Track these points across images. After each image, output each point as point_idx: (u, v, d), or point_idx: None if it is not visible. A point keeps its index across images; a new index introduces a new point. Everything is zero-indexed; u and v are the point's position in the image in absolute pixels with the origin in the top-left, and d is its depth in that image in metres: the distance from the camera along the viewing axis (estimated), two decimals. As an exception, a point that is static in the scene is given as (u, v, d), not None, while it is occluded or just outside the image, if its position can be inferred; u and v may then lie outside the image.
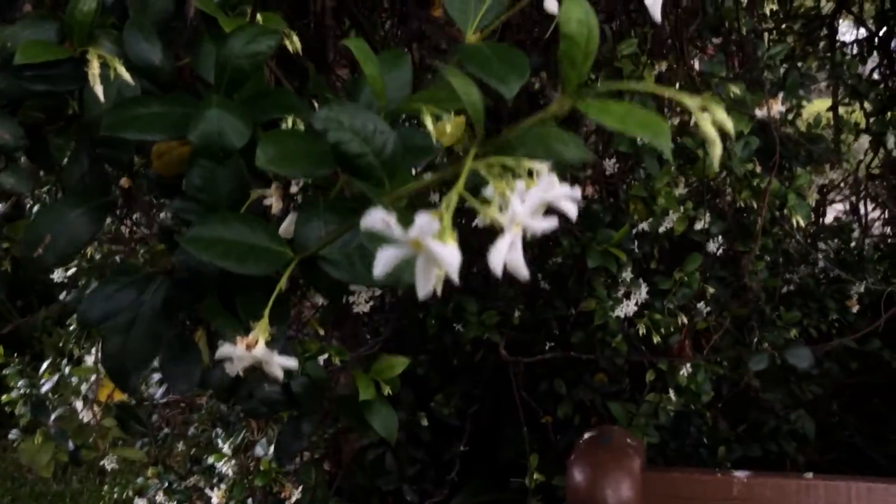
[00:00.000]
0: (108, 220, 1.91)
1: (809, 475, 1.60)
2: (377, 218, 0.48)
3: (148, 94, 0.77)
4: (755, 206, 2.18)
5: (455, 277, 0.47)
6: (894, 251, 2.92)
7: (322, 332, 1.93)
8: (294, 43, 0.90)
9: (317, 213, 0.69)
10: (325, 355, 1.67)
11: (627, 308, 2.07)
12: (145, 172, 0.83)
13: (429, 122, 0.68)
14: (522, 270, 0.49)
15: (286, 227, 0.73)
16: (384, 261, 0.49)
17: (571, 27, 0.50)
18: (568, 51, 0.50)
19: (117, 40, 0.76)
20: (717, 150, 0.48)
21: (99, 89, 0.72)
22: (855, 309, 2.54)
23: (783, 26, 2.98)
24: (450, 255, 0.47)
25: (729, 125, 0.48)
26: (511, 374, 2.32)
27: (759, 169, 1.97)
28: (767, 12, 2.87)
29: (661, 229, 1.97)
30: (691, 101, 0.48)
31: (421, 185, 0.58)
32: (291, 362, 0.64)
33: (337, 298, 0.71)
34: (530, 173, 0.57)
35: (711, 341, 2.34)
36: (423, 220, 0.47)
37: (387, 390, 1.21)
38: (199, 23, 0.82)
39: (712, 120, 0.48)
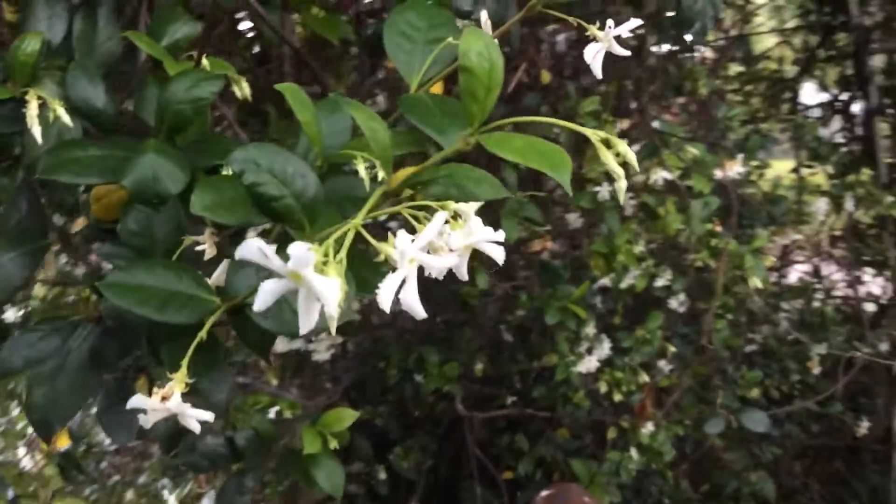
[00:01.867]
0: (63, 261, 1.89)
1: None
2: (253, 247, 0.47)
3: (89, 136, 0.76)
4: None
5: (333, 311, 0.46)
6: (857, 313, 2.94)
7: (277, 382, 1.90)
8: (243, 89, 0.90)
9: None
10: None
11: (590, 364, 2.06)
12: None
13: (361, 169, 0.68)
14: (417, 308, 0.48)
15: (218, 274, 0.71)
16: (265, 294, 0.48)
17: (471, 60, 0.49)
18: (468, 85, 0.49)
19: (62, 81, 0.75)
20: (622, 184, 0.48)
21: (36, 131, 0.70)
22: (816, 371, 2.54)
23: (747, 88, 3.04)
24: (328, 288, 0.46)
25: (632, 157, 0.48)
26: (466, 430, 2.29)
27: (719, 228, 1.99)
28: (732, 74, 2.93)
29: (623, 285, 1.97)
30: (593, 134, 0.48)
31: (342, 227, 0.57)
32: (206, 415, 0.62)
33: (263, 351, 0.69)
34: (455, 216, 0.57)
35: (671, 399, 2.33)
36: (300, 251, 0.45)
37: (334, 444, 1.18)
38: (150, 66, 0.82)
39: (616, 152, 0.48)
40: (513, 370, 2.38)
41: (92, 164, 0.71)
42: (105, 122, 0.76)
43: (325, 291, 0.46)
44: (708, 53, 2.82)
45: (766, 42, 3.13)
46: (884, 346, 2.60)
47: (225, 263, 0.71)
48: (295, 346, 2.18)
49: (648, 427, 2.20)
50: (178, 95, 0.71)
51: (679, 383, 2.27)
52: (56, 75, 0.76)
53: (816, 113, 3.05)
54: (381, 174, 0.54)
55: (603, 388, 2.00)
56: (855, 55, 2.87)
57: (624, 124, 1.96)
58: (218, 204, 0.67)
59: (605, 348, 2.14)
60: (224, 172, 0.75)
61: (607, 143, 0.48)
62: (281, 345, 2.11)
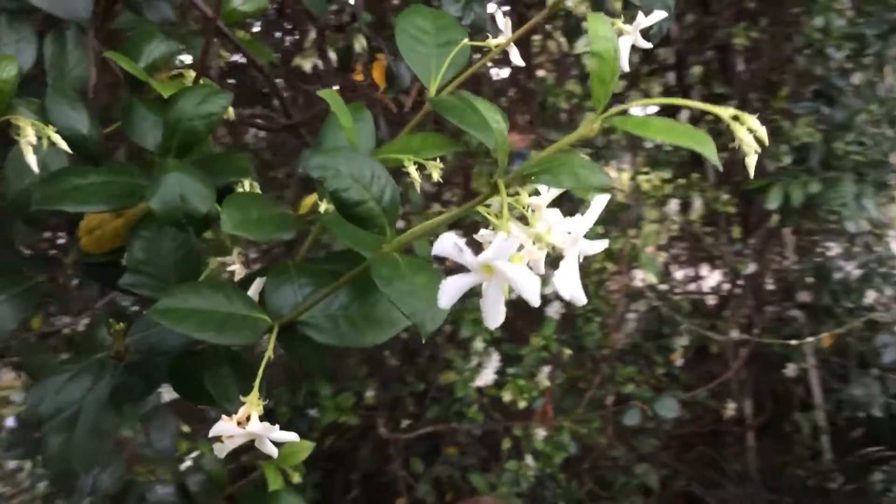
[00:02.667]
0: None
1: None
2: (449, 242, 0.46)
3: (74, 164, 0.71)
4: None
5: (536, 300, 0.45)
6: (706, 305, 3.19)
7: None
8: (228, 112, 0.86)
9: (288, 278, 0.65)
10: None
11: (487, 377, 2.10)
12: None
13: (412, 170, 0.67)
14: (581, 293, 0.49)
15: (252, 294, 0.68)
16: (452, 290, 0.47)
17: (600, 45, 0.50)
18: (598, 69, 0.50)
19: (39, 109, 0.69)
20: (753, 159, 0.51)
21: (31, 159, 0.64)
22: (679, 362, 2.72)
23: (586, 103, 3.22)
24: (528, 277, 0.45)
25: (763, 133, 0.51)
26: (393, 453, 2.25)
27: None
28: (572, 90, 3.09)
29: (513, 296, 2.02)
30: (724, 111, 0.51)
31: (426, 229, 0.57)
32: (291, 436, 0.59)
33: (320, 367, 0.66)
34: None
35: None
36: (501, 242, 0.45)
37: (296, 477, 1.14)
38: (124, 89, 0.77)
39: (747, 127, 0.51)
40: (404, 394, 2.37)
41: (94, 191, 0.66)
42: (92, 148, 0.70)
43: (524, 281, 0.45)
44: (541, 73, 2.97)
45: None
46: (734, 334, 2.82)
47: (258, 282, 0.68)
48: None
49: (540, 433, 2.27)
50: (188, 112, 0.68)
51: (568, 386, 2.35)
52: (33, 103, 0.69)
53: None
54: (500, 162, 0.54)
55: (506, 397, 2.04)
56: (675, 67, 3.11)
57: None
58: (248, 221, 0.65)
59: (494, 360, 2.19)
60: (239, 190, 0.72)
61: (738, 120, 0.51)
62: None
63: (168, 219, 0.63)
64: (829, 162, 2.27)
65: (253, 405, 0.58)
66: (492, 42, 0.75)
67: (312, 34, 1.37)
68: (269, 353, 0.60)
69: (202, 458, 1.39)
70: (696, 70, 3.22)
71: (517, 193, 0.55)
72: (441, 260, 0.49)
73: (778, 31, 2.73)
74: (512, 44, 0.75)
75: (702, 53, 3.18)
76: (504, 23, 0.74)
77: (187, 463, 1.47)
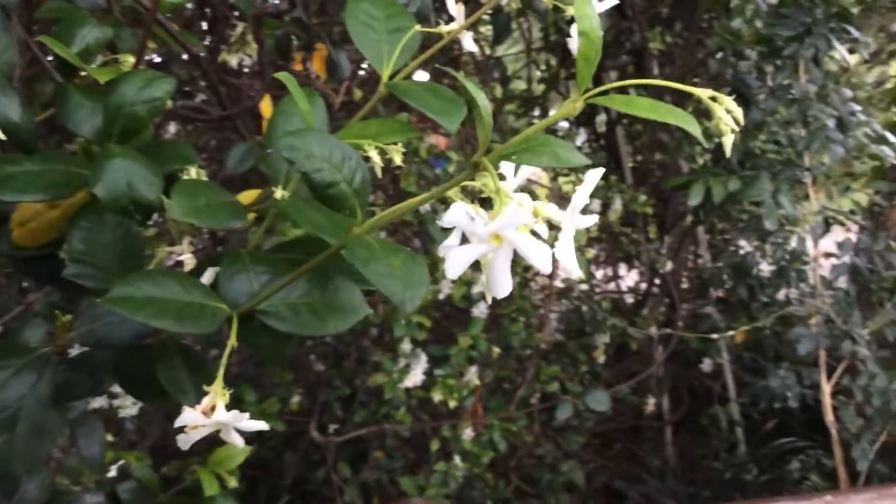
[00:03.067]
0: None
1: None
2: (461, 211, 0.47)
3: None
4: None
5: (548, 269, 0.46)
6: (625, 304, 3.26)
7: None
8: None
9: (242, 267, 0.63)
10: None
11: (416, 378, 2.09)
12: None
13: (374, 154, 0.66)
14: (576, 266, 0.50)
15: (204, 283, 0.65)
16: (460, 261, 0.47)
17: (586, 24, 0.50)
18: (584, 48, 0.50)
19: (-36, 97, 0.65)
20: (729, 139, 0.52)
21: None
22: (601, 360, 2.77)
23: (504, 107, 3.25)
24: (538, 247, 0.45)
25: (739, 114, 0.52)
26: (329, 456, 2.21)
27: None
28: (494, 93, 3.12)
29: (441, 296, 2.02)
30: (702, 93, 0.52)
31: (397, 212, 0.55)
32: (260, 424, 0.57)
33: (278, 357, 0.64)
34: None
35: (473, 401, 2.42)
36: (513, 211, 0.45)
37: (232, 482, 1.11)
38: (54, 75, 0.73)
39: (724, 108, 0.51)
40: (331, 399, 2.34)
41: (31, 180, 0.62)
42: (24, 136, 0.66)
43: (536, 250, 0.46)
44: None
45: (518, 63, 3.37)
46: (653, 331, 2.89)
47: (211, 271, 0.65)
48: (97, 405, 1.99)
49: (468, 433, 2.27)
50: (130, 97, 0.64)
51: (495, 385, 2.36)
52: (-43, 92, 0.65)
53: (564, 126, 3.33)
54: (482, 140, 0.53)
55: (437, 396, 2.03)
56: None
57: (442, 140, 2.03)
58: (198, 208, 0.62)
59: (422, 361, 2.19)
60: (185, 177, 0.69)
61: (715, 100, 0.52)
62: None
63: (114, 206, 0.60)
64: (745, 161, 2.35)
65: (218, 394, 0.56)
66: (444, 29, 0.75)
67: (239, 28, 1.34)
68: (232, 341, 0.58)
69: (127, 467, 1.34)
70: (613, 74, 3.30)
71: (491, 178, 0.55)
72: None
73: (691, 35, 2.82)
74: (465, 30, 0.74)
75: (618, 58, 3.25)
76: (457, 9, 0.74)
77: (112, 472, 1.42)
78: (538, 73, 3.26)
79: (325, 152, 0.55)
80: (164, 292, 0.57)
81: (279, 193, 0.66)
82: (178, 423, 0.54)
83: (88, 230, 0.65)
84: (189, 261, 0.68)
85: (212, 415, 0.55)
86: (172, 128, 2.64)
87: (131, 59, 0.76)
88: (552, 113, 3.43)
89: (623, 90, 0.52)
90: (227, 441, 0.57)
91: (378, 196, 2.52)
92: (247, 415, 0.55)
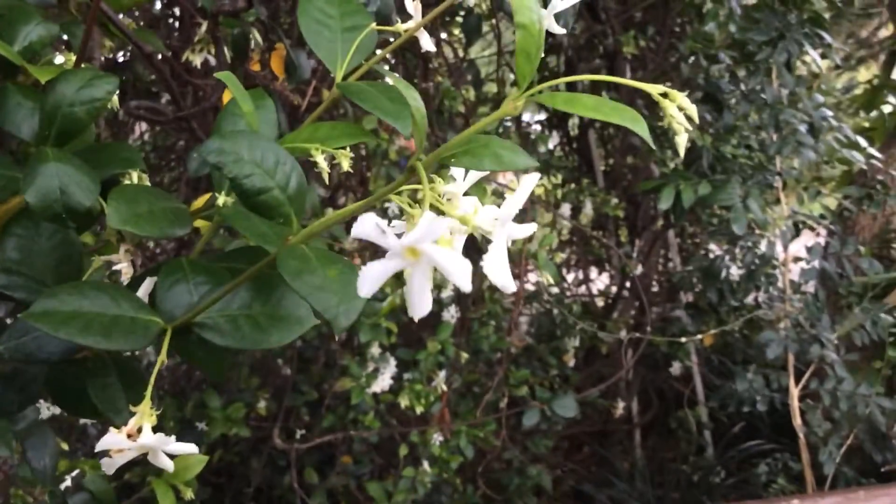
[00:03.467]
0: None
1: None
2: (370, 223, 0.42)
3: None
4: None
5: (467, 286, 0.42)
6: (596, 307, 3.25)
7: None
8: (113, 102, 0.79)
9: (182, 276, 0.60)
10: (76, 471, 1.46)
11: (383, 382, 2.07)
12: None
13: (320, 160, 0.63)
14: (510, 280, 0.46)
15: (141, 295, 0.62)
16: (373, 277, 0.43)
17: (524, 16, 0.47)
18: (523, 42, 0.48)
19: None
20: (682, 138, 0.49)
21: None
22: (572, 363, 2.76)
23: (478, 109, 3.23)
24: (458, 262, 0.41)
25: (693, 111, 0.49)
26: (293, 464, 2.18)
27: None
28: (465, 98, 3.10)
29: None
30: (653, 89, 0.49)
31: (333, 219, 0.53)
32: (188, 447, 0.54)
33: (217, 372, 0.61)
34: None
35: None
36: (429, 222, 0.41)
37: (188, 493, 1.07)
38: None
39: (677, 105, 0.49)
40: (299, 403, 2.30)
41: (-39, 182, 0.60)
42: (-45, 136, 0.63)
43: (455, 266, 0.41)
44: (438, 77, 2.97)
45: (491, 66, 3.36)
46: (623, 334, 2.88)
47: (148, 282, 0.63)
48: (55, 412, 1.95)
49: (437, 438, 2.25)
50: (69, 97, 0.62)
51: (464, 390, 2.34)
52: None
53: (537, 129, 3.32)
54: (417, 143, 0.50)
55: (404, 403, 2.01)
56: (566, 74, 3.17)
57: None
58: (137, 216, 0.60)
59: (391, 366, 2.16)
60: (126, 182, 0.66)
61: (667, 97, 0.49)
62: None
63: (46, 213, 0.57)
64: (716, 165, 2.35)
65: (145, 416, 0.53)
66: (401, 27, 0.72)
67: (203, 28, 1.30)
68: (162, 358, 0.55)
69: (83, 477, 1.30)
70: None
71: (431, 182, 0.52)
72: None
73: (664, 40, 2.82)
74: (422, 29, 0.72)
75: (591, 61, 3.24)
76: (414, 6, 0.72)
77: (67, 482, 1.38)
78: (511, 76, 3.25)
79: (255, 156, 0.53)
80: (92, 306, 0.54)
81: (221, 200, 0.63)
82: (99, 447, 0.52)
83: (23, 238, 0.63)
84: (126, 271, 0.65)
85: (137, 438, 0.52)
86: (140, 128, 2.60)
87: (73, 58, 0.73)
88: (525, 117, 3.43)
89: (555, 88, 0.50)
90: (155, 465, 0.54)
91: (349, 199, 2.49)
92: (172, 438, 0.53)
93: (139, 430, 0.53)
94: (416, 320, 0.46)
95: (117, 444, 0.52)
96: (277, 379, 2.37)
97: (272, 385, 2.33)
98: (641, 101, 2.77)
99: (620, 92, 2.77)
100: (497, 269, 0.45)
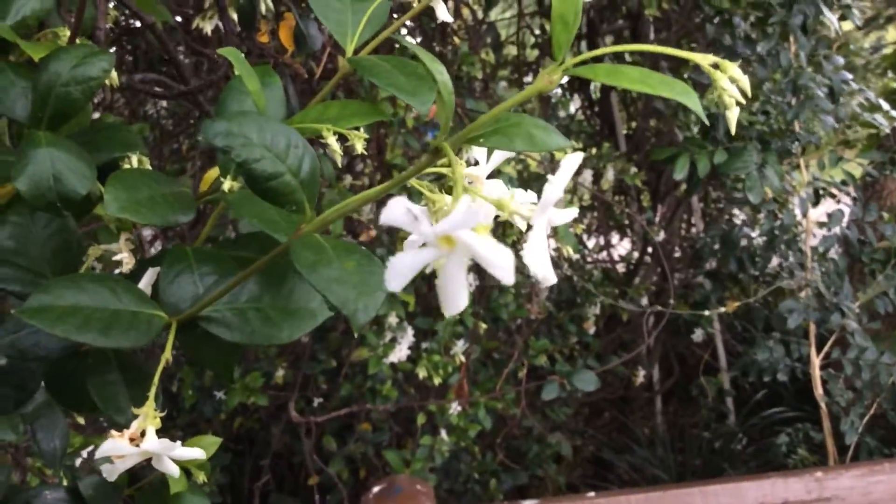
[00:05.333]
0: None
1: (591, 494, 1.66)
2: (401, 208, 0.38)
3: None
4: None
5: (511, 280, 0.38)
6: (617, 273, 3.21)
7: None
8: (112, 79, 0.76)
9: (186, 267, 0.57)
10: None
11: (401, 353, 2.04)
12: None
13: (332, 142, 0.60)
14: (551, 273, 0.43)
15: (143, 287, 0.59)
16: (403, 269, 0.39)
17: None
18: (561, 8, 0.43)
19: None
20: (734, 113, 0.45)
21: None
22: (592, 330, 2.73)
23: (498, 73, 3.17)
24: (499, 250, 0.37)
25: (745, 83, 0.45)
26: (303, 436, 2.17)
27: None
28: (483, 60, 3.03)
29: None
30: (703, 59, 0.45)
31: (351, 205, 0.49)
32: (195, 452, 0.52)
33: (225, 369, 0.58)
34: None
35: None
36: (465, 208, 0.36)
37: (201, 477, 1.05)
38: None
39: (728, 76, 0.45)
40: (316, 371, 2.29)
41: (-50, 168, 0.56)
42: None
43: (496, 256, 0.37)
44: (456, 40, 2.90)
45: (511, 28, 3.28)
46: (644, 301, 2.85)
47: (151, 272, 0.59)
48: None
49: (455, 407, 2.23)
50: (63, 76, 0.58)
51: (483, 359, 2.32)
52: None
53: (557, 92, 3.25)
54: (443, 122, 0.46)
55: (422, 373, 1.99)
56: (588, 36, 3.08)
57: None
58: (137, 202, 0.56)
59: (409, 335, 2.13)
60: (126, 166, 0.62)
61: (718, 68, 0.45)
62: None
63: (39, 201, 0.54)
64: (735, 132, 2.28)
65: (149, 418, 0.50)
66: (416, -7, 0.68)
67: (213, -7, 1.26)
68: (167, 356, 0.52)
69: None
70: (609, 40, 3.21)
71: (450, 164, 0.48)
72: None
73: (687, 0, 2.73)
74: (438, -2, 0.67)
75: (613, 22, 3.16)
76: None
77: (83, 458, 1.37)
78: (532, 39, 3.17)
79: (265, 139, 0.49)
80: (91, 300, 0.51)
81: (227, 185, 0.60)
82: (100, 453, 0.49)
83: (18, 226, 0.60)
84: (127, 260, 0.62)
85: (140, 442, 0.49)
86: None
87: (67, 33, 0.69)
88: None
89: (598, 59, 0.45)
90: (158, 469, 0.51)
91: (367, 165, 2.44)
92: (178, 443, 0.50)
93: (142, 434, 0.50)
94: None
95: (119, 451, 0.49)
96: (296, 347, 2.35)
97: (290, 353, 2.32)
98: (665, 63, 2.69)
99: (644, 55, 2.70)
100: (538, 260, 0.41)
